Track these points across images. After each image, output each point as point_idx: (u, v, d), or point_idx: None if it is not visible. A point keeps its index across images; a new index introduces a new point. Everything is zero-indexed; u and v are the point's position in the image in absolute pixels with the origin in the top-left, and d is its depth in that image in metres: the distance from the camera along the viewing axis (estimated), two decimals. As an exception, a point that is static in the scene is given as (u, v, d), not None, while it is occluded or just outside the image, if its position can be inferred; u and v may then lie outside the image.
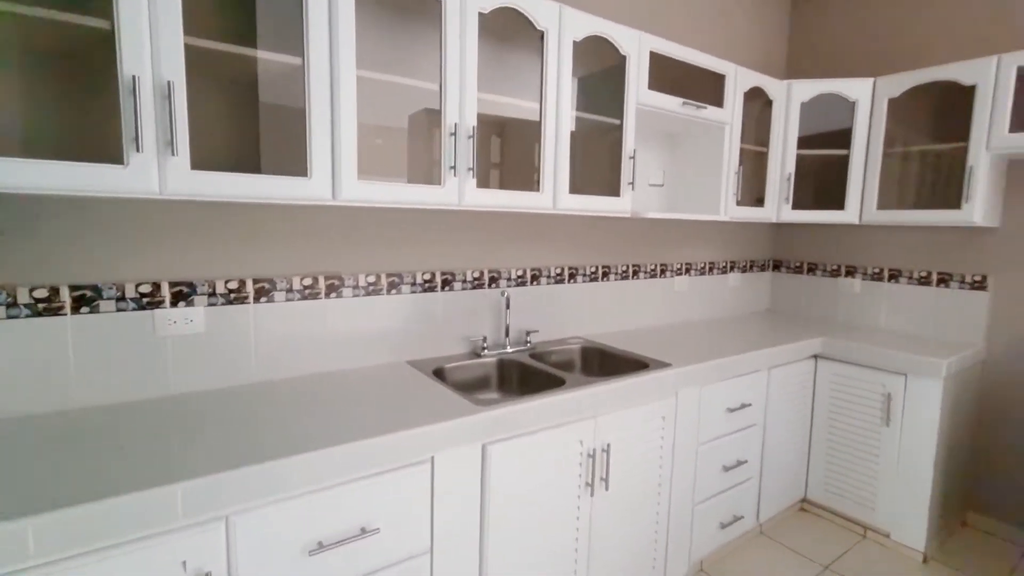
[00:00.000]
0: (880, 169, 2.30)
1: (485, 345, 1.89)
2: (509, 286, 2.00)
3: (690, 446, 1.88)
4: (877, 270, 2.59)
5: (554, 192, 1.70)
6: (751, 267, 2.94)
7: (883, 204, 2.31)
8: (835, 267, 2.76)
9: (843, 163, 2.37)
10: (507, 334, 1.94)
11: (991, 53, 2.09)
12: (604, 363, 1.99)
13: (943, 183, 2.16)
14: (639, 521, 1.75)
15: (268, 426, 1.19)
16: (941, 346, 2.21)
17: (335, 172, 1.29)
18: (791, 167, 2.41)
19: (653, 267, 2.48)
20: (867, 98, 2.31)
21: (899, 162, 2.32)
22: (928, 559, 2.09)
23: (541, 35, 1.61)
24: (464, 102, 1.46)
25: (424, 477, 1.25)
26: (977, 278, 2.28)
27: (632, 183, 1.88)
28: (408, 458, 1.21)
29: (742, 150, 2.26)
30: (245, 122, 1.32)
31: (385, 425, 1.21)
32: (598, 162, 1.88)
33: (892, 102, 2.25)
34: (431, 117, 1.48)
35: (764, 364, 2.09)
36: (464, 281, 1.89)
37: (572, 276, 2.19)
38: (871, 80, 2.30)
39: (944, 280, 2.37)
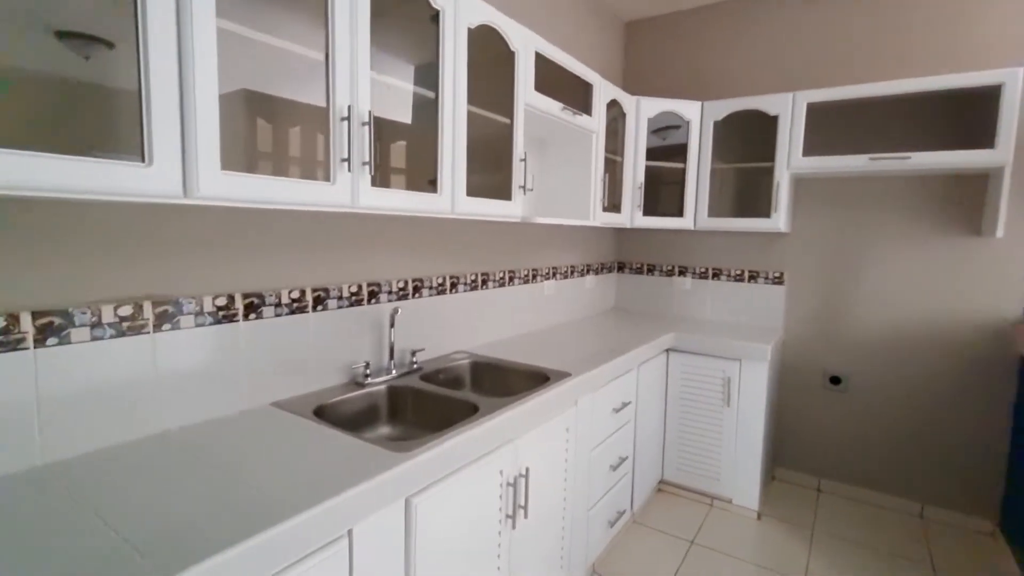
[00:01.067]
0: (709, 181, 2.62)
1: (368, 372, 1.60)
2: (390, 300, 1.74)
3: (585, 453, 1.87)
4: (704, 269, 2.98)
5: (452, 194, 1.51)
6: (602, 269, 3.12)
7: (712, 212, 2.65)
8: (670, 268, 3.09)
9: (681, 175, 2.65)
10: (391, 356, 1.69)
11: (791, 89, 2.54)
12: (500, 379, 1.87)
13: (757, 195, 2.56)
14: (548, 540, 1.68)
15: (75, 537, 0.78)
16: (757, 331, 2.62)
17: (188, 159, 0.92)
18: (641, 177, 2.60)
19: (526, 272, 2.44)
20: (697, 119, 2.62)
21: (725, 176, 2.69)
22: (761, 516, 2.45)
23: (436, 14, 1.41)
24: (357, 80, 1.19)
25: (340, 560, 0.97)
26: (777, 274, 2.76)
27: (524, 187, 1.79)
28: (320, 539, 0.92)
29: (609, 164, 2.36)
30: (41, 76, 0.85)
31: (281, 498, 0.90)
32: (485, 163, 1.75)
33: (717, 124, 2.59)
34: (254, 102, 1.18)
35: (636, 362, 2.21)
36: (340, 298, 1.58)
37: (454, 286, 2.02)
38: (699, 103, 2.62)
39: (754, 277, 2.83)
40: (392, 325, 1.68)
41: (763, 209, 2.52)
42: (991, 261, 2.28)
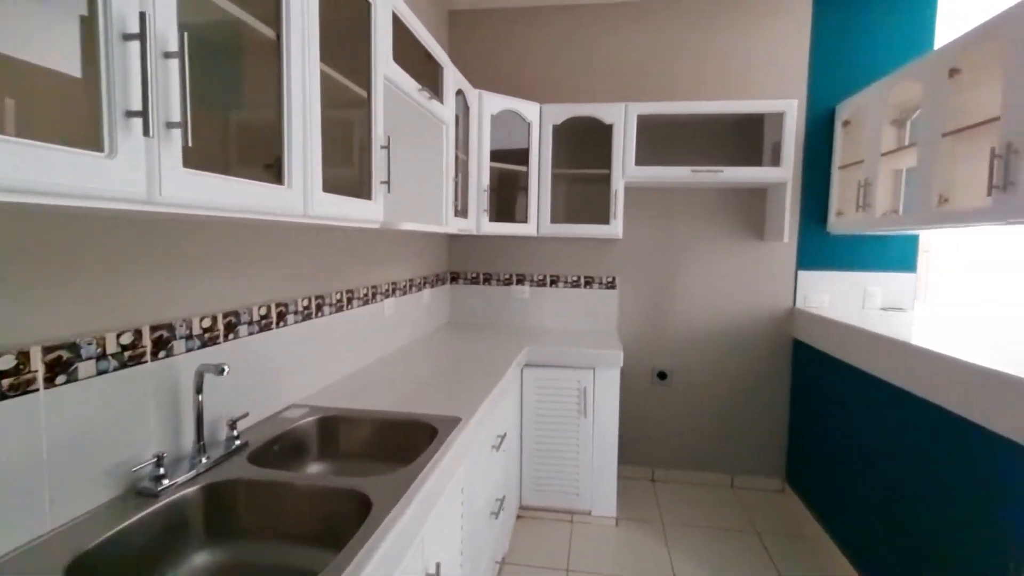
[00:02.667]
0: (551, 187, 2.54)
1: (162, 470, 0.99)
2: (191, 350, 1.13)
3: (475, 510, 1.55)
4: (541, 277, 2.91)
5: (305, 189, 1.03)
6: (436, 281, 2.79)
7: (555, 219, 2.58)
8: (507, 276, 2.94)
9: (523, 179, 2.51)
10: (200, 435, 1.09)
11: (624, 100, 2.61)
12: (365, 438, 1.40)
13: (595, 202, 2.58)
14: (450, 638, 1.31)
15: None
16: (595, 336, 2.64)
17: None
18: (487, 179, 2.38)
19: (365, 291, 1.97)
20: (537, 121, 2.52)
21: (566, 181, 2.65)
22: (618, 522, 2.47)
23: (276, -88, 0.92)
24: (153, -26, 0.66)
25: None
26: (609, 279, 2.85)
27: (388, 182, 1.37)
28: None
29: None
30: None
31: None
32: (334, 150, 1.28)
33: (556, 128, 2.53)
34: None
35: (507, 388, 1.96)
36: (103, 356, 0.93)
37: (282, 316, 1.46)
38: (538, 105, 2.52)
39: (589, 282, 2.87)
40: (199, 390, 1.08)
41: (602, 216, 2.54)
42: (770, 261, 2.71)
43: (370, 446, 1.40)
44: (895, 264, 2.59)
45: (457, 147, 2.19)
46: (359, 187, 1.33)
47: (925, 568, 1.62)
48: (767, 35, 2.61)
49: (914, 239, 2.58)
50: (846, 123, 2.52)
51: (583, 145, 2.61)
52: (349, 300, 1.84)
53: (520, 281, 2.93)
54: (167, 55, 0.68)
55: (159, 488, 0.98)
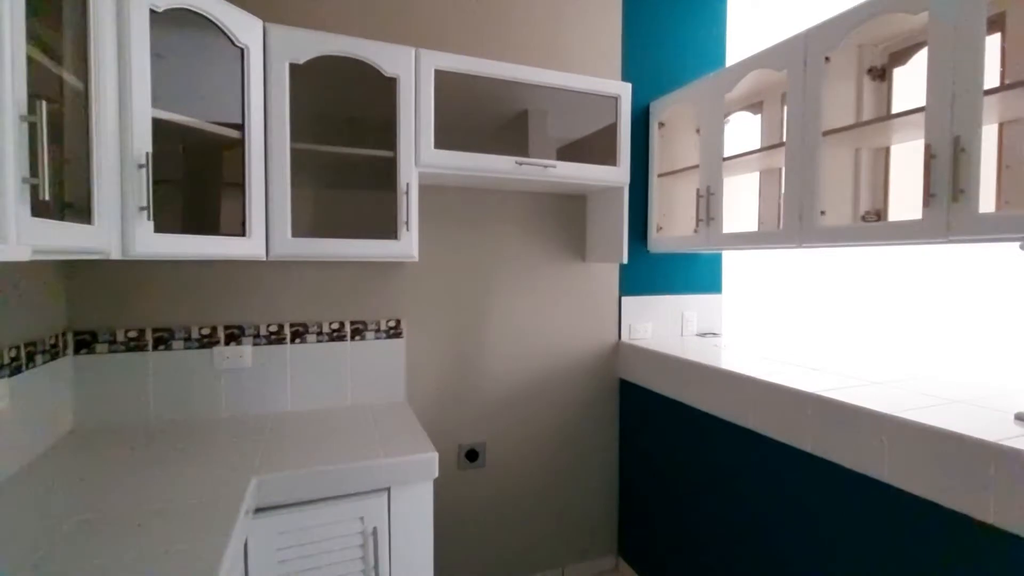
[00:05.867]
0: (291, 173, 1.43)
1: None
2: None
3: None
4: (275, 328, 1.71)
5: None
6: (33, 357, 1.32)
7: (300, 230, 1.46)
8: (207, 332, 1.64)
9: (240, 155, 1.33)
10: None
11: (410, 44, 1.65)
12: None
13: (377, 203, 1.57)
14: None
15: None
16: (378, 420, 1.64)
17: None
18: (146, 143, 1.12)
19: None
20: (259, 51, 1.37)
21: (318, 167, 1.54)
22: None
23: None
24: None
25: None
26: (392, 323, 1.86)
27: None
28: None
29: (38, 70, 0.77)
30: None
31: None
32: None
33: (299, 71, 1.42)
34: None
35: (213, 635, 0.80)
36: None
37: None
38: (260, 22, 1.38)
39: (359, 331, 1.81)
40: None
41: (384, 226, 1.55)
42: (594, 288, 2.17)
43: None
44: (705, 285, 2.36)
45: (76, 64, 0.91)
46: None
47: None
48: (582, 14, 2.07)
49: (718, 258, 2.39)
50: (662, 125, 2.15)
51: (349, 109, 1.58)
52: None
53: (234, 338, 1.67)
54: None
55: None
